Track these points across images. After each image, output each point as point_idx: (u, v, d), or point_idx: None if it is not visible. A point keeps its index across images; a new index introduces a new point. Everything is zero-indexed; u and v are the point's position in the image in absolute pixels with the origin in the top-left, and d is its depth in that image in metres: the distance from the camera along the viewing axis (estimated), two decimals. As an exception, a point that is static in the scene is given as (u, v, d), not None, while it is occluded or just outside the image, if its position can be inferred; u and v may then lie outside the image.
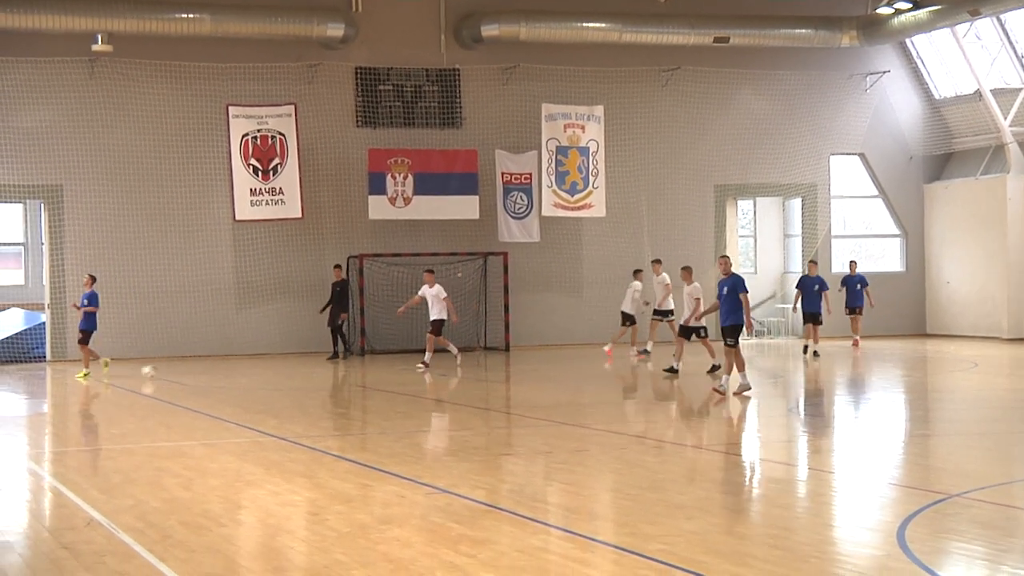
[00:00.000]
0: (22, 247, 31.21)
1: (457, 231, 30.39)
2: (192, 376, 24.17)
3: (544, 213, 30.06)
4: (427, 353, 24.79)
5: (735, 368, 18.83)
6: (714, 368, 22.08)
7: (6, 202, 29.45)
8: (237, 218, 28.48)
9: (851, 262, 29.61)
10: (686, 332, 22.66)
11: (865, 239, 35.47)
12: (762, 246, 35.02)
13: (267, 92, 29.18)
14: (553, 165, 29.99)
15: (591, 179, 30.33)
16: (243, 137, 28.28)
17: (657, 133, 32.08)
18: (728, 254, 21.11)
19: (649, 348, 27.26)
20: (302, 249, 29.74)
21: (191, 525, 9.79)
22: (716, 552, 8.65)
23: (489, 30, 30.04)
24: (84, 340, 24.44)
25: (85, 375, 23.98)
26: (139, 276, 28.66)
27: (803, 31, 31.94)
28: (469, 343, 30.22)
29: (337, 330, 28.00)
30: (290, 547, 9.25)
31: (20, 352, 28.04)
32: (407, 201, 29.36)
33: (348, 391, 22.52)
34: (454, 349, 25.20)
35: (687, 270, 22.96)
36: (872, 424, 16.96)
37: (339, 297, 28.04)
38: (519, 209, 30.21)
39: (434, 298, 24.59)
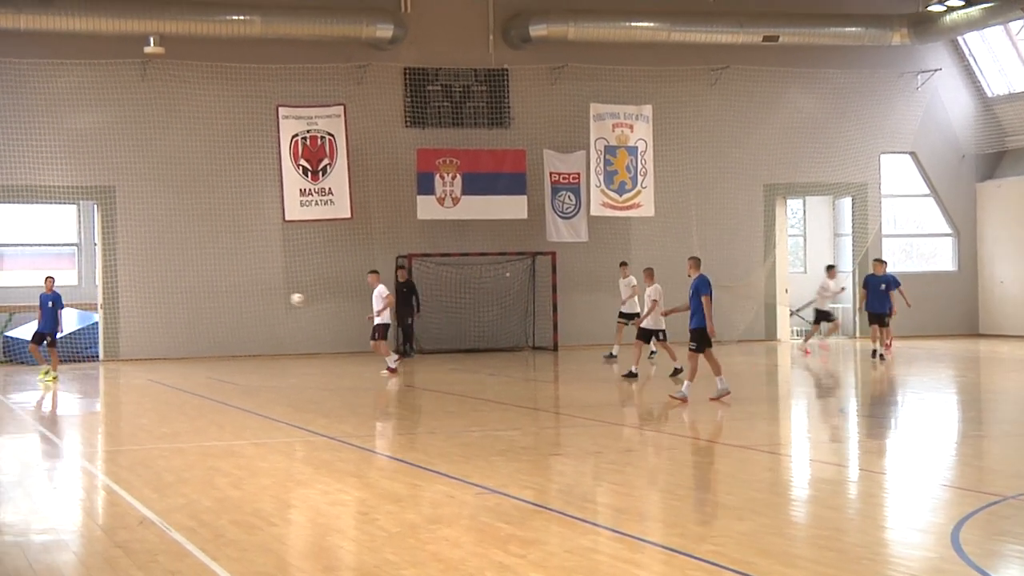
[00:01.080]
0: (75, 248, 31.50)
1: (505, 231, 30.41)
2: (242, 375, 24.32)
3: (592, 213, 30.02)
4: (390, 356, 23.91)
5: (713, 373, 18.15)
6: (676, 372, 21.71)
7: (60, 203, 29.75)
8: (287, 218, 28.65)
9: (875, 261, 27.33)
10: (645, 335, 22.14)
11: (916, 238, 35.18)
12: (812, 245, 34.81)
13: (317, 93, 29.32)
14: (601, 165, 29.94)
15: (639, 179, 30.26)
16: (293, 138, 28.44)
17: (706, 132, 31.96)
18: (697, 255, 20.04)
19: (615, 352, 26.31)
20: (351, 249, 29.86)
21: (242, 524, 9.85)
22: (767, 553, 8.60)
23: (537, 30, 30.04)
24: (53, 342, 24.08)
25: (50, 376, 23.69)
26: (190, 276, 28.88)
27: (853, 29, 31.73)
28: (518, 343, 30.28)
29: (408, 328, 28.26)
30: (340, 546, 9.28)
31: (73, 351, 28.32)
32: (455, 201, 29.41)
33: (398, 391, 22.58)
34: (391, 359, 23.95)
35: (648, 271, 22.63)
36: (924, 425, 16.81)
37: (406, 297, 28.25)
38: (567, 209, 30.19)
39: (377, 298, 23.91)
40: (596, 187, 29.88)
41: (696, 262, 18.84)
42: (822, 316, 28.26)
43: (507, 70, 30.78)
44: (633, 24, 30.50)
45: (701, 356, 18.05)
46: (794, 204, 34.58)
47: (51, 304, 23.78)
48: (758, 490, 11.34)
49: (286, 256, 29.52)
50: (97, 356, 28.55)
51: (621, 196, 30.16)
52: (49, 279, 24.33)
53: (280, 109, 28.46)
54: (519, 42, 30.61)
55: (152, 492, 11.38)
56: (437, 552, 8.78)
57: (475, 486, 11.41)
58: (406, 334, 28.60)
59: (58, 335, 24.45)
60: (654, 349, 25.13)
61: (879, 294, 25.95)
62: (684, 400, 17.81)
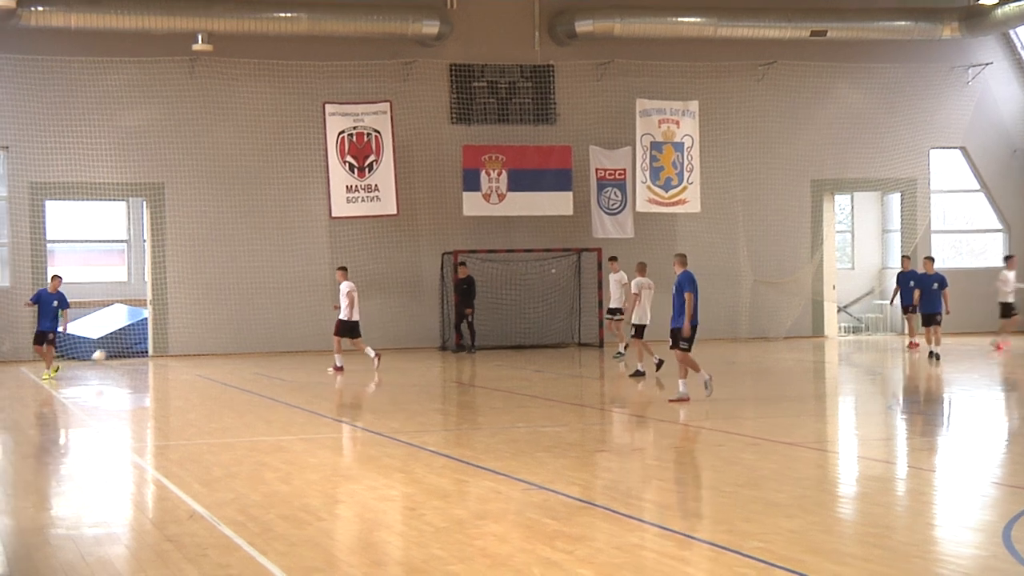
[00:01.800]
0: (125, 244, 31.79)
1: (551, 227, 30.40)
2: (289, 371, 24.44)
3: (638, 209, 29.96)
4: (372, 353, 24.14)
5: (679, 374, 17.66)
6: (659, 365, 21.66)
7: (110, 200, 29.99)
8: (333, 215, 28.77)
9: (925, 259, 27.04)
10: (640, 332, 21.89)
11: (966, 234, 34.87)
12: (860, 241, 34.59)
13: (363, 90, 29.42)
14: (647, 161, 29.88)
15: (686, 174, 30.16)
16: (339, 134, 28.56)
17: (753, 128, 31.82)
18: (683, 252, 19.22)
19: (623, 350, 26.08)
20: (397, 245, 29.96)
21: (291, 519, 9.91)
22: (816, 551, 8.57)
23: (583, 26, 30.00)
24: (52, 341, 24.11)
25: (53, 370, 23.81)
26: (238, 272, 29.07)
27: (903, 23, 31.45)
28: (563, 339, 30.28)
29: (469, 325, 28.62)
30: (388, 541, 9.32)
31: (123, 347, 28.58)
32: (501, 197, 29.44)
33: (444, 387, 22.64)
34: (338, 360, 23.96)
35: (640, 265, 22.46)
36: (974, 422, 16.66)
37: (465, 294, 28.42)
38: (613, 205, 30.15)
39: (342, 294, 24.01)
40: (642, 183, 29.82)
41: (682, 259, 18.12)
42: (1006, 310, 27.90)
43: (553, 66, 30.76)
44: (680, 19, 30.39)
45: (678, 353, 17.51)
46: (842, 200, 34.35)
47: (55, 303, 23.83)
48: (806, 487, 11.28)
49: (332, 253, 29.65)
50: (146, 352, 28.79)
51: (667, 192, 30.08)
52: (56, 278, 24.34)
53: (327, 106, 28.58)
54: (565, 38, 30.59)
55: (201, 487, 11.47)
56: (484, 547, 8.80)
57: (522, 482, 11.42)
58: (470, 330, 28.77)
59: (57, 334, 24.42)
60: (621, 351, 25.56)
61: (932, 293, 25.68)
62: (685, 399, 17.42)
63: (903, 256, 28.50)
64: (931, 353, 24.69)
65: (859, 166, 32.55)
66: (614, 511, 10.04)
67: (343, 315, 23.97)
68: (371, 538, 9.48)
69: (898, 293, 27.33)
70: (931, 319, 25.42)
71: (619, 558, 8.43)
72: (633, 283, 22.06)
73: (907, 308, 27.52)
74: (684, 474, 12.18)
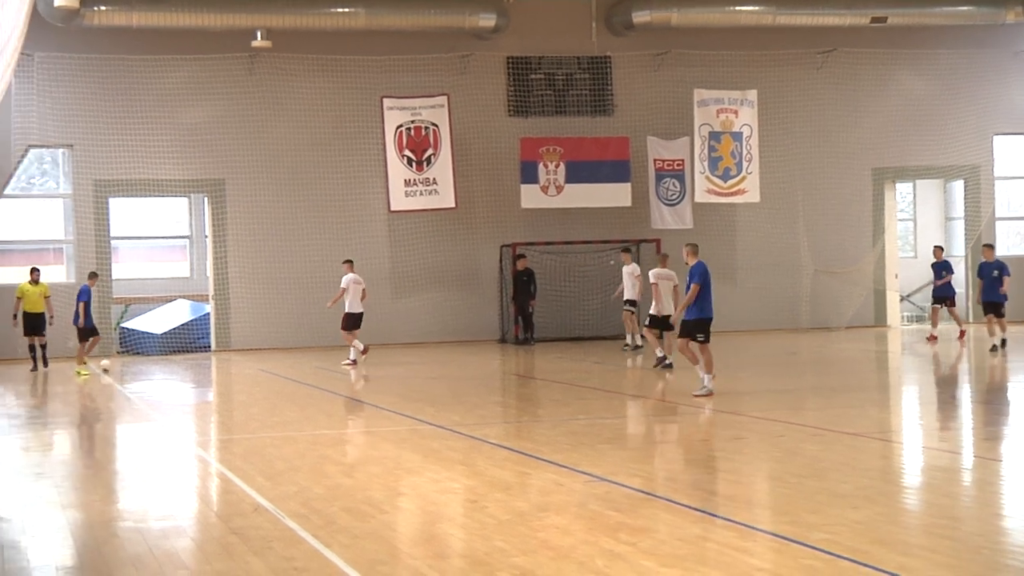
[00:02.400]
0: (187, 240, 32.08)
1: (609, 218, 30.34)
2: (350, 365, 24.54)
3: (697, 199, 29.82)
4: (352, 349, 24.37)
5: (701, 366, 17.35)
6: (661, 361, 21.32)
7: (172, 196, 30.31)
8: (392, 209, 28.87)
9: (985, 246, 26.16)
10: (653, 322, 21.51)
11: (1031, 221, 34.43)
12: (922, 230, 34.25)
13: (420, 83, 29.49)
14: (706, 151, 29.72)
15: (744, 164, 29.98)
16: (397, 128, 28.65)
17: (812, 116, 31.57)
18: (695, 242, 18.64)
19: (631, 342, 26.10)
20: (455, 238, 30.02)
21: (354, 511, 9.96)
22: (882, 542, 8.49)
23: (640, 16, 29.89)
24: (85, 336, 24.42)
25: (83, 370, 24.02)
26: (297, 267, 29.26)
27: (965, 8, 31.05)
28: (622, 331, 30.17)
29: (528, 317, 28.66)
30: (450, 534, 9.34)
31: (186, 342, 28.86)
32: (559, 189, 29.41)
33: (504, 379, 22.67)
34: (356, 349, 24.28)
35: (663, 257, 22.40)
36: (1041, 412, 16.45)
37: (525, 286, 28.61)
38: (671, 196, 30.03)
39: (351, 285, 24.37)
40: (700, 173, 29.67)
41: (693, 248, 17.85)
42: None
43: (610, 57, 30.68)
44: (738, 8, 30.19)
45: (669, 335, 17.39)
46: (903, 188, 34.02)
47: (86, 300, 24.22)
48: (871, 478, 11.19)
49: (391, 246, 29.76)
50: (209, 346, 29.04)
51: (726, 182, 29.92)
52: (93, 275, 25.04)
53: (384, 100, 28.68)
54: (622, 29, 30.49)
55: (265, 480, 11.56)
56: (547, 540, 8.80)
57: (583, 474, 11.41)
58: (526, 322, 28.84)
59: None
60: (628, 342, 25.80)
61: (992, 281, 25.03)
62: (710, 394, 17.18)
63: (985, 245, 26.71)
64: (998, 343, 24.09)
65: (921, 153, 32.21)
66: (676, 502, 10.01)
67: (353, 308, 24.35)
68: (434, 530, 9.51)
69: (981, 288, 25.59)
70: (994, 307, 24.70)
71: (682, 549, 8.40)
72: (651, 273, 21.91)
73: (939, 299, 27.16)
74: (746, 465, 12.11)
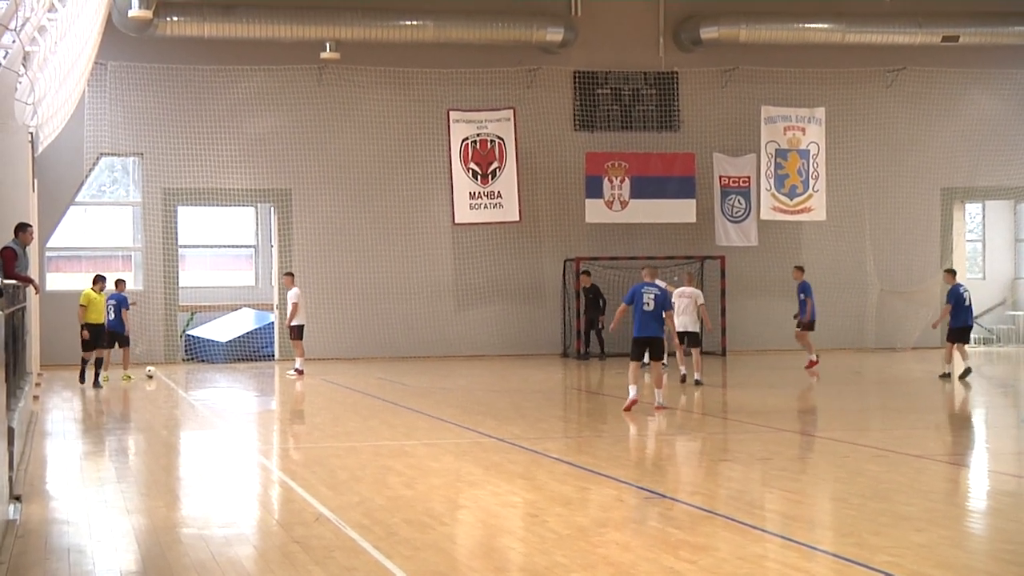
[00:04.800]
0: (253, 249, 32.35)
1: (673, 235, 30.25)
2: (412, 376, 24.65)
3: (762, 217, 29.66)
4: (297, 360, 25.21)
5: (657, 383, 18.12)
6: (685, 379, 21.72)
7: (239, 206, 30.58)
8: (456, 221, 28.96)
9: None
10: (680, 338, 21.42)
11: (1103, 244, 33.91)
12: (991, 251, 33.82)
13: (487, 97, 29.59)
14: (772, 168, 29.57)
15: (811, 182, 29.79)
16: (463, 141, 28.75)
17: (880, 135, 31.33)
18: (654, 266, 19.68)
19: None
20: (519, 252, 30.06)
21: (415, 523, 9.99)
22: (947, 566, 8.38)
23: (708, 32, 29.82)
24: (125, 342, 24.15)
25: (128, 377, 24.05)
26: (362, 278, 29.41)
27: (1039, 27, 30.71)
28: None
29: (598, 333, 28.77)
30: (510, 547, 9.34)
31: (250, 350, 29.09)
32: (624, 204, 29.38)
33: (565, 394, 22.64)
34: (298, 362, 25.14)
35: (688, 275, 22.94)
36: (1111, 438, 16.17)
37: (592, 302, 28.76)
38: (737, 213, 29.89)
39: (290, 301, 25.30)
40: (766, 191, 29.52)
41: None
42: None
43: (677, 73, 30.62)
44: (807, 25, 30.05)
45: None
46: (972, 208, 33.64)
47: (116, 303, 23.72)
48: (936, 500, 11.06)
49: (455, 259, 29.85)
50: (272, 355, 29.25)
51: (792, 200, 29.74)
52: (120, 282, 24.55)
53: (451, 113, 28.80)
54: (690, 45, 30.43)
55: (327, 489, 11.61)
56: (607, 555, 8.78)
57: (644, 490, 11.37)
58: (599, 337, 28.79)
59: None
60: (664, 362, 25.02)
61: None
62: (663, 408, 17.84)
63: (948, 271, 24.99)
64: None
65: (991, 174, 31.85)
66: (737, 521, 9.95)
67: (296, 320, 25.22)
68: (494, 544, 9.52)
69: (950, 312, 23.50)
70: None
71: (743, 569, 8.35)
72: (691, 292, 22.00)
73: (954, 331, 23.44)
74: (809, 485, 12.01)
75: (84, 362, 23.38)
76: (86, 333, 23.10)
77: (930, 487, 11.81)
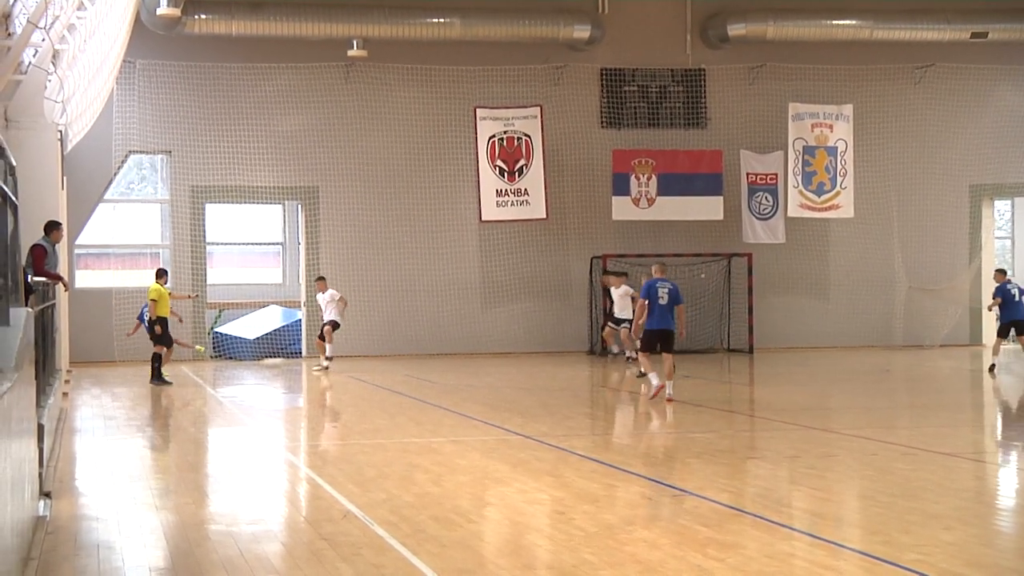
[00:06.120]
0: (280, 247, 32.46)
1: (700, 232, 30.20)
2: (439, 374, 24.68)
3: (790, 214, 29.57)
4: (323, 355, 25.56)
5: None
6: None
7: (266, 203, 30.68)
8: (483, 219, 28.98)
9: None
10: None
11: None
12: (1020, 248, 33.62)
13: (514, 94, 29.60)
14: (800, 165, 29.48)
15: (839, 179, 29.68)
16: (490, 139, 28.77)
17: (909, 132, 31.19)
18: (663, 262, 20.63)
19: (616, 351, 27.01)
20: (546, 249, 30.06)
21: (442, 520, 10.01)
22: (977, 565, 8.35)
23: (736, 29, 29.75)
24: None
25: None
26: (389, 275, 29.47)
27: (1068, 23, 30.50)
28: (712, 345, 30.01)
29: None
30: (538, 545, 9.34)
31: (278, 347, 29.19)
32: (651, 202, 29.33)
33: (592, 391, 22.64)
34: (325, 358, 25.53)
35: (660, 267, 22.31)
36: None
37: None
38: (764, 210, 29.81)
39: (328, 301, 25.61)
40: (794, 188, 29.43)
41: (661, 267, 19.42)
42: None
43: (704, 70, 30.56)
44: (834, 22, 29.94)
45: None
46: (1002, 205, 33.45)
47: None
48: (965, 499, 11.01)
49: (482, 256, 29.88)
50: (300, 352, 29.34)
51: (819, 197, 29.64)
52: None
53: (478, 110, 28.81)
54: (717, 42, 30.36)
55: (354, 486, 11.64)
56: (635, 553, 8.77)
57: (671, 488, 11.36)
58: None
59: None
60: (627, 354, 25.50)
61: None
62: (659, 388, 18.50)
63: (998, 270, 25.23)
64: None
65: (1020, 170, 31.68)
66: (766, 519, 9.93)
67: (334, 316, 25.63)
68: (521, 541, 9.52)
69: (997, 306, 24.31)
70: None
71: (771, 567, 8.33)
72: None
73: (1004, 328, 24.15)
74: (837, 483, 11.97)
75: (157, 358, 22.68)
76: (159, 328, 22.79)
77: (959, 485, 11.75)
